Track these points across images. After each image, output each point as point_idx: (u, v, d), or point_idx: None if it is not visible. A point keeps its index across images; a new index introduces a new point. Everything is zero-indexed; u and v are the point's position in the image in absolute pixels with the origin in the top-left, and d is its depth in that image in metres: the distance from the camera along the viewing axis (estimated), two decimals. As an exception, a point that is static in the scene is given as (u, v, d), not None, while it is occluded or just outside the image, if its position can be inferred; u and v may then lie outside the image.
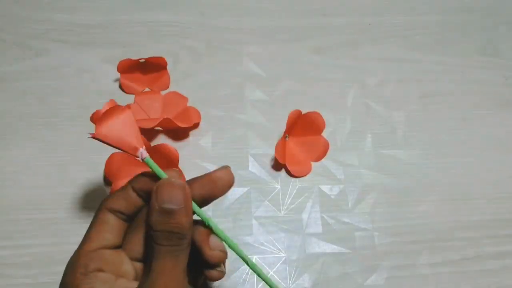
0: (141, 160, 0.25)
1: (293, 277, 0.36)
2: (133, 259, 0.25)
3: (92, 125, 0.40)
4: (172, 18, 0.47)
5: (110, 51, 0.45)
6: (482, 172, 0.41)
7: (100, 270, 0.23)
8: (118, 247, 0.25)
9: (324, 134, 0.41)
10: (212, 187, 0.25)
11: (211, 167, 0.39)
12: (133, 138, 0.25)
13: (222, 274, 0.27)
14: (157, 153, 0.37)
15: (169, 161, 0.37)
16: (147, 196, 0.25)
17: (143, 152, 0.25)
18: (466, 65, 0.46)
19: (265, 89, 0.44)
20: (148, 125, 0.38)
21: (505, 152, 0.42)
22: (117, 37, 0.45)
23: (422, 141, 0.42)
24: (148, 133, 0.40)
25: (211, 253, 0.25)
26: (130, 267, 0.25)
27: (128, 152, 0.25)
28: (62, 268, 0.35)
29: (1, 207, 0.37)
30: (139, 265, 0.25)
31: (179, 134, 0.41)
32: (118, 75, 0.43)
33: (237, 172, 0.39)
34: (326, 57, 0.46)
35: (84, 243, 0.24)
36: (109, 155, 0.38)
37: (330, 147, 0.41)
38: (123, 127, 0.25)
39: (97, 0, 0.47)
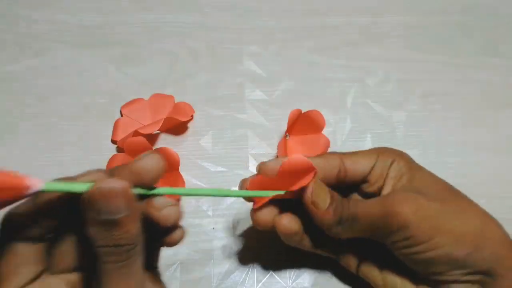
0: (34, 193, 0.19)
1: (293, 276, 0.36)
2: (64, 271, 0.22)
3: (91, 124, 0.41)
4: (172, 18, 0.47)
5: (110, 51, 0.45)
6: (482, 172, 0.41)
7: None
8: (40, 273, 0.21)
9: (324, 133, 0.41)
10: (137, 180, 0.21)
11: (211, 167, 0.40)
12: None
13: (182, 233, 0.24)
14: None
15: (170, 164, 0.37)
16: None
17: (33, 184, 0.19)
18: (466, 65, 0.46)
19: (265, 89, 0.44)
20: (151, 130, 0.38)
21: (505, 152, 0.42)
22: (117, 37, 0.45)
23: (422, 141, 0.42)
24: (149, 137, 0.40)
25: (159, 214, 0.21)
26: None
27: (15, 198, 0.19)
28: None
29: (1, 207, 0.37)
30: (72, 277, 0.22)
31: (179, 129, 0.41)
32: (118, 75, 0.43)
33: (237, 172, 0.39)
34: (326, 57, 0.46)
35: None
36: (110, 156, 0.38)
37: (330, 147, 0.41)
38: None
39: (97, 0, 0.47)
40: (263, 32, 0.47)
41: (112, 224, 0.19)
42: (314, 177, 0.26)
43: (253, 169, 0.40)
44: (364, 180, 0.29)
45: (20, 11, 0.46)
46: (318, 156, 0.29)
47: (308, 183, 0.26)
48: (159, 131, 0.41)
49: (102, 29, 0.46)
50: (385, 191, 0.29)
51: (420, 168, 0.30)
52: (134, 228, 0.20)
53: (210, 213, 0.38)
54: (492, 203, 0.40)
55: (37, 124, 0.41)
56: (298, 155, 0.26)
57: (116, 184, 0.19)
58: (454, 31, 0.48)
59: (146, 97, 0.42)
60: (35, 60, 0.44)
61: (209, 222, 0.37)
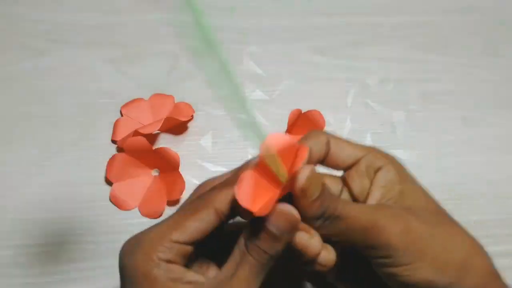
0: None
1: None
2: (187, 242, 0.23)
3: (91, 124, 0.40)
4: (172, 18, 0.47)
5: (110, 51, 0.45)
6: (482, 172, 0.41)
7: (174, 262, 0.22)
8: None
9: (324, 134, 0.41)
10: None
11: (211, 167, 0.40)
12: None
13: (333, 256, 0.25)
14: (158, 156, 0.37)
15: (170, 164, 0.37)
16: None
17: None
18: (466, 65, 0.46)
19: (265, 89, 0.44)
20: (151, 130, 0.38)
21: (505, 152, 0.42)
22: (117, 37, 0.45)
23: (422, 141, 0.42)
24: (149, 137, 0.40)
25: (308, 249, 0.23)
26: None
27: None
28: (62, 268, 0.35)
29: (1, 207, 0.37)
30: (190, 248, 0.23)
31: (179, 129, 0.41)
32: (118, 75, 0.43)
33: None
34: (326, 57, 0.46)
35: (171, 228, 0.23)
36: (110, 156, 0.38)
37: (330, 147, 0.41)
38: None
39: (97, 0, 0.47)
40: (263, 32, 0.47)
41: (274, 237, 0.22)
42: (305, 156, 0.23)
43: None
44: (346, 169, 0.28)
45: (20, 11, 0.46)
46: (305, 136, 0.27)
47: (299, 167, 0.23)
48: (159, 131, 0.41)
49: (102, 29, 0.46)
50: (373, 198, 0.27)
51: (412, 181, 0.29)
52: (282, 248, 0.22)
53: (210, 213, 0.38)
54: (492, 203, 0.40)
55: (37, 124, 0.41)
56: (278, 134, 0.24)
57: (294, 212, 0.22)
58: (454, 31, 0.48)
59: (146, 97, 0.42)
60: (35, 60, 0.44)
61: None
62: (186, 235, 0.22)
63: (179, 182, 0.37)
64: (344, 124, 0.42)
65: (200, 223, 0.23)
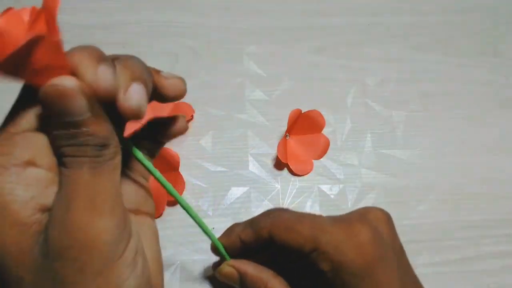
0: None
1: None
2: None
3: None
4: (172, 18, 0.47)
5: (110, 51, 0.44)
6: (482, 172, 0.41)
7: (30, 163, 0.17)
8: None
9: (324, 133, 0.41)
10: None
11: (211, 167, 0.40)
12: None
13: (185, 122, 0.24)
14: (158, 156, 0.37)
15: (171, 165, 0.37)
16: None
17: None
18: (466, 65, 0.46)
19: (265, 89, 0.44)
20: None
21: (505, 152, 0.42)
22: (117, 37, 0.45)
23: (422, 141, 0.42)
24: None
25: (166, 82, 0.21)
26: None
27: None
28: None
29: (1, 207, 0.37)
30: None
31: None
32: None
33: (237, 172, 0.39)
34: (326, 57, 0.46)
35: (6, 124, 0.18)
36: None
37: (330, 147, 0.41)
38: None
39: (97, 0, 0.47)
40: (263, 32, 0.47)
41: (76, 125, 0.17)
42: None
43: (253, 169, 0.40)
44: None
45: (20, 11, 0.46)
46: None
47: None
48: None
49: (102, 29, 0.46)
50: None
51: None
52: (102, 131, 0.17)
53: (210, 213, 0.38)
54: (492, 203, 0.40)
55: (37, 124, 0.40)
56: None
57: (71, 82, 0.17)
58: (454, 31, 0.48)
59: (146, 97, 0.42)
60: (35, 60, 0.44)
61: (209, 222, 0.37)
62: (26, 121, 0.18)
63: (179, 182, 0.37)
64: (344, 124, 0.42)
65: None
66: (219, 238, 0.29)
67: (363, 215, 0.27)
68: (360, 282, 0.24)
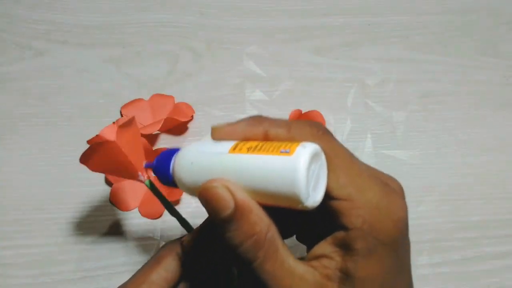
0: (141, 181, 0.26)
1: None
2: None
3: (91, 124, 0.40)
4: (172, 18, 0.47)
5: (110, 51, 0.45)
6: (482, 172, 0.41)
7: None
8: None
9: (324, 134, 0.41)
10: None
11: (211, 167, 0.40)
12: (131, 164, 0.24)
13: None
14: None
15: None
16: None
17: (141, 176, 0.25)
18: (466, 65, 0.46)
19: (265, 89, 0.44)
20: (151, 130, 0.38)
21: (505, 152, 0.42)
22: (117, 38, 0.45)
23: (422, 141, 0.42)
24: (149, 138, 0.40)
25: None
26: None
27: (132, 170, 0.25)
28: (62, 268, 0.35)
29: (1, 207, 0.37)
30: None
31: (179, 130, 0.41)
32: (118, 75, 0.43)
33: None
34: (326, 57, 0.46)
35: (136, 285, 0.22)
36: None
37: (330, 147, 0.41)
38: (117, 156, 0.24)
39: (97, 0, 0.47)
40: (263, 32, 0.47)
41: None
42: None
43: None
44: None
45: (20, 11, 0.46)
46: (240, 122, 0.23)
47: None
48: (159, 132, 0.41)
49: (102, 29, 0.46)
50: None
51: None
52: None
53: (210, 213, 0.38)
54: (492, 203, 0.40)
55: (37, 124, 0.40)
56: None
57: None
58: (454, 31, 0.48)
59: (146, 97, 0.42)
60: (35, 60, 0.44)
61: (209, 222, 0.37)
62: None
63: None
64: (344, 124, 0.42)
65: (165, 272, 0.22)
66: None
67: (399, 186, 0.24)
68: (388, 253, 0.21)
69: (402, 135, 0.42)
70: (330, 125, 0.42)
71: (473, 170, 0.41)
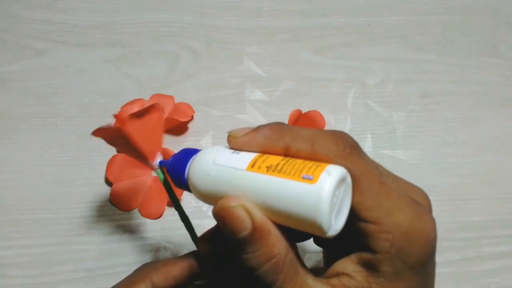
0: (152, 168, 0.25)
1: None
2: None
3: (91, 124, 0.40)
4: (172, 18, 0.47)
5: (110, 51, 0.45)
6: (482, 172, 0.41)
7: None
8: None
9: (324, 134, 0.41)
10: None
11: (211, 167, 0.40)
12: (153, 143, 0.23)
13: None
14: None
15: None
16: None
17: (156, 162, 0.25)
18: (466, 65, 0.46)
19: (265, 89, 0.44)
20: None
21: (505, 152, 0.42)
22: (117, 37, 0.45)
23: (422, 141, 0.42)
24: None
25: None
26: None
27: (144, 156, 0.24)
28: (62, 268, 0.35)
29: (1, 207, 0.37)
30: None
31: (179, 130, 0.41)
32: (118, 75, 0.43)
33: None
34: (326, 57, 0.46)
35: None
36: (110, 156, 0.38)
37: (330, 147, 0.41)
38: (150, 129, 0.24)
39: (97, 0, 0.47)
40: (263, 32, 0.47)
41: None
42: None
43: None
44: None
45: (20, 11, 0.46)
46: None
47: None
48: (159, 131, 0.41)
49: (102, 29, 0.46)
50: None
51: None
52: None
53: (210, 213, 0.38)
54: (492, 203, 0.40)
55: (37, 124, 0.40)
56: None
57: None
58: (454, 31, 0.48)
59: (146, 97, 0.42)
60: (35, 60, 0.44)
61: (209, 222, 0.37)
62: None
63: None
64: (344, 124, 0.42)
65: None
66: None
67: (426, 200, 0.24)
68: (414, 276, 0.21)
69: (402, 135, 0.42)
70: (330, 125, 0.42)
71: (473, 170, 0.41)
